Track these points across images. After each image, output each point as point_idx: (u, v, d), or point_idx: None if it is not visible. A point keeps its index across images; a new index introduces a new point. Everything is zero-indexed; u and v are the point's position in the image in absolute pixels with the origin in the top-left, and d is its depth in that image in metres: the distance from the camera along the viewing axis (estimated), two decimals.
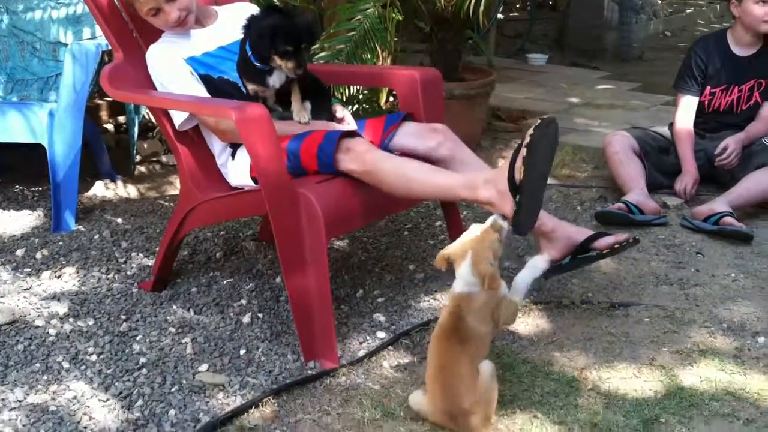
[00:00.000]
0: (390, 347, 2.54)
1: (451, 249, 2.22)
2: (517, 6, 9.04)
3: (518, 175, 2.28)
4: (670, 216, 3.58)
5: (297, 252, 2.41)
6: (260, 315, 2.73)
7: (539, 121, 2.32)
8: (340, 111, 2.85)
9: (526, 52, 6.84)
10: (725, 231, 3.32)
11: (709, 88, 3.85)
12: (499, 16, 7.33)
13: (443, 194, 2.60)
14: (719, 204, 3.44)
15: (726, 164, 3.69)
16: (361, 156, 2.51)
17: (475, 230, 2.23)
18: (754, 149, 3.73)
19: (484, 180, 2.40)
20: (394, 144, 2.74)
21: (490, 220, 2.24)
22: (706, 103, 3.87)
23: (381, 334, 2.61)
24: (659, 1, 9.45)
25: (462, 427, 2.09)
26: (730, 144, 3.68)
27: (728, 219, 3.35)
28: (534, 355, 2.51)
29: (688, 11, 9.87)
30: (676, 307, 2.80)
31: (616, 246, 2.68)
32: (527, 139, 2.27)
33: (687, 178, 3.75)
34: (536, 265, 2.31)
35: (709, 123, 3.89)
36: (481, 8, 3.82)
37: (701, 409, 2.24)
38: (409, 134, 2.77)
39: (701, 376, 2.41)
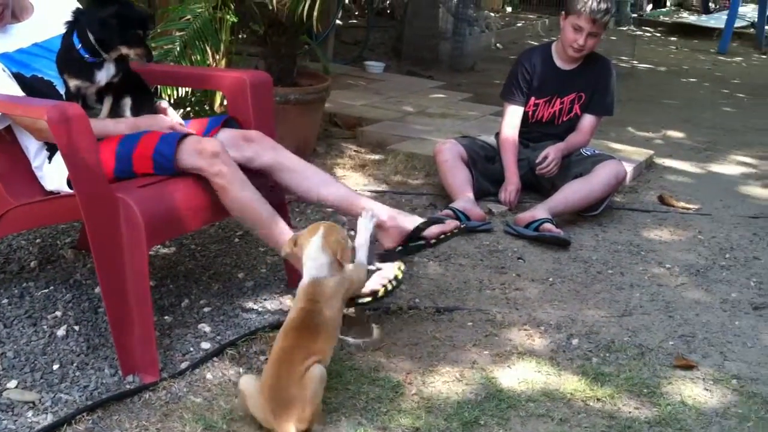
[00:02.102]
0: (215, 358, 2.47)
1: (300, 232, 2.32)
2: (356, 13, 9.13)
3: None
4: (494, 222, 3.71)
5: (115, 260, 2.31)
6: (77, 327, 2.59)
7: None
8: (165, 104, 2.82)
9: (364, 60, 6.91)
10: (544, 237, 3.47)
11: (533, 99, 4.01)
12: (338, 22, 7.38)
13: (268, 240, 2.65)
14: (540, 211, 3.60)
15: (546, 172, 3.86)
16: (216, 166, 2.49)
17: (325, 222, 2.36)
18: (573, 159, 3.92)
19: None
20: None
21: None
22: (530, 113, 4.03)
23: (206, 345, 2.54)
24: (492, 15, 9.83)
25: (278, 424, 2.07)
26: (551, 153, 3.85)
27: (547, 225, 3.51)
28: (361, 362, 2.51)
29: (518, 25, 10.31)
30: (498, 311, 2.90)
31: (442, 236, 2.81)
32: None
33: (510, 187, 3.89)
34: (365, 224, 2.43)
35: (532, 133, 4.06)
36: (315, 13, 3.80)
37: (518, 410, 2.32)
38: (224, 143, 2.72)
39: (519, 377, 2.50)
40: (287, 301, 2.85)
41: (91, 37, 2.58)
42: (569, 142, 3.95)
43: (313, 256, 2.28)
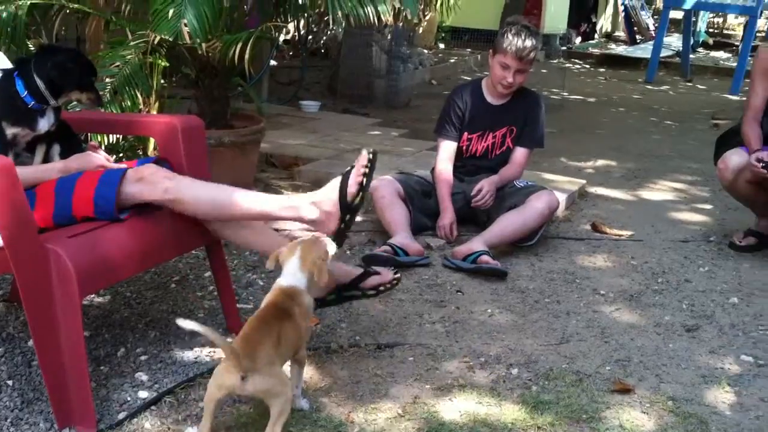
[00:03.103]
0: (153, 407, 2.43)
1: (283, 248, 2.42)
2: (291, 53, 9.18)
3: (351, 197, 2.56)
4: (433, 256, 3.74)
5: (47, 312, 2.26)
6: (10, 382, 2.52)
7: (371, 150, 2.66)
8: (95, 142, 2.86)
9: (300, 99, 6.95)
10: (482, 269, 3.52)
11: (466, 134, 4.09)
12: (273, 63, 7.42)
13: (263, 216, 2.67)
14: (476, 243, 3.65)
15: (482, 205, 3.92)
16: (160, 184, 2.51)
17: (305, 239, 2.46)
18: (507, 191, 3.99)
19: (309, 201, 2.59)
20: None
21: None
22: (464, 148, 4.10)
23: (143, 394, 2.50)
24: (426, 51, 9.98)
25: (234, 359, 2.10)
26: (485, 186, 3.92)
27: (484, 257, 3.55)
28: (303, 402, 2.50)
29: (451, 60, 10.49)
30: (438, 345, 2.92)
31: (381, 288, 2.84)
32: (365, 166, 2.58)
33: (444, 221, 3.94)
34: None
35: (467, 167, 4.13)
36: (247, 56, 3.82)
37: None
38: None
39: (461, 410, 2.51)
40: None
41: (40, 84, 2.58)
42: (502, 174, 4.03)
43: (291, 272, 2.38)
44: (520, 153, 4.09)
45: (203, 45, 3.81)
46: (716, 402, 2.64)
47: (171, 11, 3.50)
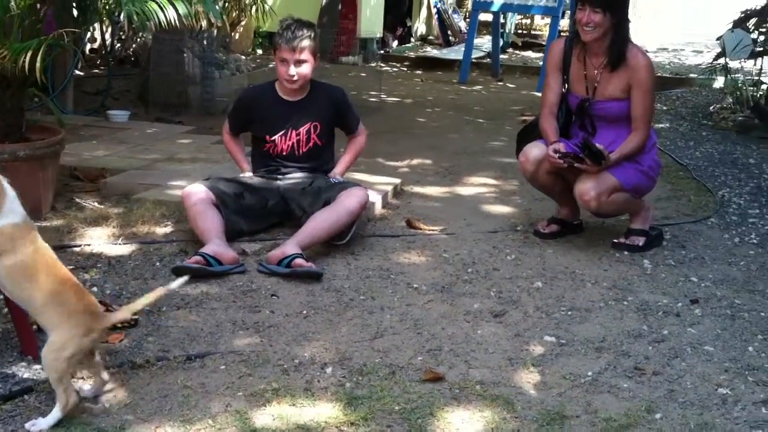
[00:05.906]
0: None
1: None
2: (98, 62, 8.81)
3: None
4: (248, 262, 3.68)
5: None
6: None
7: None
8: None
9: (108, 109, 6.67)
10: (296, 272, 3.49)
11: (267, 136, 4.06)
12: (79, 72, 7.09)
13: None
14: (289, 247, 3.62)
15: None
16: None
17: None
18: (324, 186, 3.98)
19: None
20: None
21: None
22: (270, 149, 4.08)
23: None
24: (243, 57, 9.87)
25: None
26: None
27: (298, 261, 3.53)
28: (106, 422, 2.39)
29: (270, 66, 10.41)
30: (252, 351, 2.87)
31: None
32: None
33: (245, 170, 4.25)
34: None
35: (278, 168, 4.10)
36: (39, 65, 3.62)
37: None
38: None
39: (274, 414, 2.48)
40: (21, 366, 2.66)
41: None
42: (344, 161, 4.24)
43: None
44: (355, 140, 4.29)
45: None
46: (522, 383, 2.76)
47: None
